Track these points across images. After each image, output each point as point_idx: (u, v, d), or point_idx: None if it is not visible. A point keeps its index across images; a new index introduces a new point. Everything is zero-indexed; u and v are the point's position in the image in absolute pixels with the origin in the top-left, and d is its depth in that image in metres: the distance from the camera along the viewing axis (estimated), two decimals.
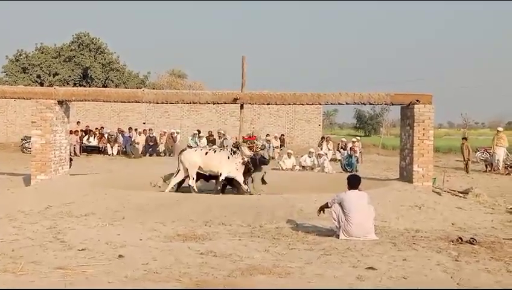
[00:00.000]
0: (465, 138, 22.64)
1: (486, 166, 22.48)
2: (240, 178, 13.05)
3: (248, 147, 13.16)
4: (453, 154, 30.72)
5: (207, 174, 13.45)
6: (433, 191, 12.61)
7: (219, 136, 14.17)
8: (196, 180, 13.32)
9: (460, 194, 12.81)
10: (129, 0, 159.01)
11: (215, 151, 13.57)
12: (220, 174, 13.03)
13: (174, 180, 13.45)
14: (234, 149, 13.31)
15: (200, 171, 13.31)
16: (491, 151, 22.37)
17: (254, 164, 13.29)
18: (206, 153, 13.35)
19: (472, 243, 7.97)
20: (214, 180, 13.78)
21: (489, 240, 8.37)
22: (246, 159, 13.03)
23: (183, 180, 13.68)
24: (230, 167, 12.99)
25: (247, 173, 13.31)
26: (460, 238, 8.21)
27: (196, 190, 13.08)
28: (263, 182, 13.66)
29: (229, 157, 13.09)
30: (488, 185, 16.34)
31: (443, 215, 10.49)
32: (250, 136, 14.43)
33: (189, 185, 13.21)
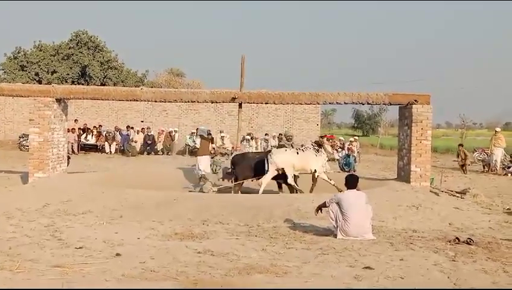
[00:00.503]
0: (461, 145, 22.70)
1: (484, 166, 22.51)
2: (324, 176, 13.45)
3: (331, 145, 13.83)
4: (451, 155, 30.76)
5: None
6: (430, 191, 12.63)
7: (287, 139, 14.10)
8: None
9: (458, 195, 12.83)
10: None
11: (303, 151, 13.81)
12: (314, 171, 13.32)
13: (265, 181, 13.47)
14: (317, 147, 13.64)
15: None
16: (489, 151, 22.41)
17: None
18: (298, 153, 13.59)
19: (469, 244, 7.98)
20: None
21: (486, 241, 8.38)
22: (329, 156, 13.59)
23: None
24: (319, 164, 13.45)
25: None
26: (457, 238, 8.22)
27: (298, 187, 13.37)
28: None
29: (316, 156, 13.45)
30: (486, 186, 16.36)
31: (440, 215, 10.52)
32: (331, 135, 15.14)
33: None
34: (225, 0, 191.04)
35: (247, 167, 14.00)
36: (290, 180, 13.19)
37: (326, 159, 13.85)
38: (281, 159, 13.24)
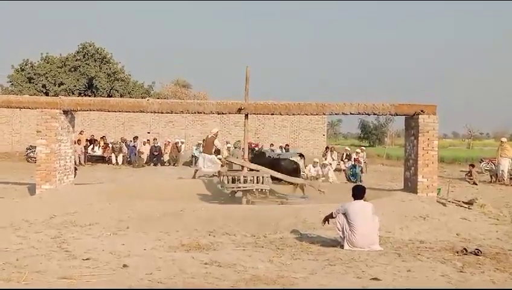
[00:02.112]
0: (472, 165, 22.65)
1: (491, 177, 22.40)
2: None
3: None
4: (458, 165, 30.67)
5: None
6: (437, 201, 12.58)
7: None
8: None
9: (465, 205, 12.76)
10: (134, 11, 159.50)
11: None
12: None
13: None
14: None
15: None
16: (496, 161, 22.32)
17: None
18: None
19: (477, 254, 7.95)
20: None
21: (494, 251, 8.34)
22: None
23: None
24: None
25: None
26: (465, 249, 8.19)
27: None
28: None
29: None
30: (493, 196, 16.28)
31: (448, 226, 10.47)
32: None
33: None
34: (230, 10, 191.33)
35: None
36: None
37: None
38: None
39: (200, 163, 17.74)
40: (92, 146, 28.34)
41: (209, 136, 18.26)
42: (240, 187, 13.46)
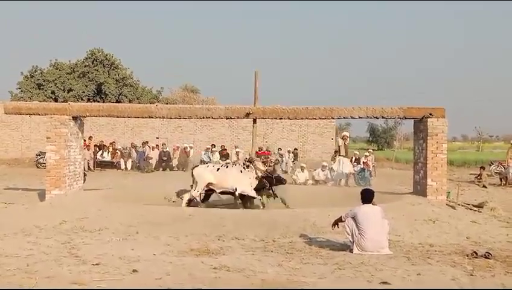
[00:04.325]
0: (482, 167, 22.56)
1: (501, 179, 22.29)
2: (253, 193, 13.09)
3: (262, 162, 13.26)
4: (467, 168, 30.53)
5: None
6: (447, 204, 12.55)
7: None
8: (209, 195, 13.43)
9: (475, 208, 12.72)
10: (143, 17, 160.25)
11: (227, 167, 13.63)
12: (235, 189, 13.07)
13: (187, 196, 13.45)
14: (247, 164, 13.35)
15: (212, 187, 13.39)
16: (505, 164, 22.21)
17: (270, 182, 13.30)
18: (218, 169, 13.43)
19: (487, 258, 7.90)
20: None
21: (504, 255, 8.29)
22: (259, 175, 13.07)
23: (208, 195, 13.81)
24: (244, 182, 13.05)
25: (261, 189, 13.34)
26: (475, 252, 8.14)
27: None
28: (274, 196, 13.62)
29: (241, 172, 13.15)
30: (503, 199, 16.20)
31: (457, 229, 10.43)
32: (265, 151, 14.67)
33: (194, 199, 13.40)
34: (238, 16, 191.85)
35: None
36: (193, 193, 13.29)
37: (255, 176, 13.23)
38: (196, 173, 13.42)
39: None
40: (101, 152, 28.45)
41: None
42: None
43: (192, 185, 13.57)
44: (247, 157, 14.69)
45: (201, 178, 13.24)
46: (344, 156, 18.79)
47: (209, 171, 13.39)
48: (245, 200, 13.36)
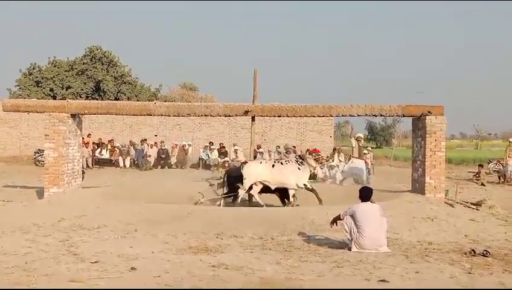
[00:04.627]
0: (481, 165, 22.57)
1: (499, 177, 22.28)
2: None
3: (314, 159, 13.52)
4: (466, 166, 30.54)
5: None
6: (445, 202, 12.55)
7: (286, 152, 14.25)
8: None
9: (473, 206, 12.73)
10: (141, 15, 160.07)
11: (281, 164, 13.65)
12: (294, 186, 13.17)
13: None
14: (300, 161, 13.51)
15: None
16: (504, 162, 22.21)
17: None
18: (273, 166, 13.43)
19: (485, 256, 7.92)
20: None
21: (502, 253, 8.31)
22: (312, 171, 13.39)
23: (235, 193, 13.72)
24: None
25: None
26: (473, 250, 8.16)
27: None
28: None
29: (299, 169, 13.22)
30: (502, 197, 16.20)
31: (456, 227, 10.44)
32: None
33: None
34: (236, 15, 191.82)
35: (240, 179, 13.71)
36: (247, 191, 13.23)
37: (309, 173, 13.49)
38: (249, 171, 13.22)
39: None
40: (99, 149, 28.42)
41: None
42: None
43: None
44: (298, 154, 14.72)
45: (252, 175, 13.15)
46: (357, 158, 18.79)
47: (263, 167, 13.36)
48: (282, 197, 13.49)
